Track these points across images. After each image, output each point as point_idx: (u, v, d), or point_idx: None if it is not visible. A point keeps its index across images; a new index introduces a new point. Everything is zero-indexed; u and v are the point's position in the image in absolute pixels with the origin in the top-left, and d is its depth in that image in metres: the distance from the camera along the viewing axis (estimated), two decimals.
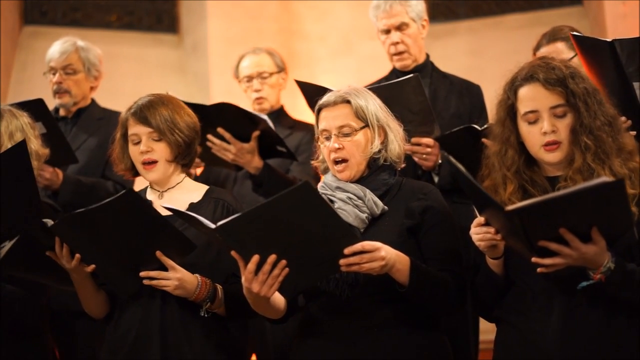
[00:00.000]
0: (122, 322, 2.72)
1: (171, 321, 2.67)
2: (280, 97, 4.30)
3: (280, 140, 3.72)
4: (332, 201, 2.61)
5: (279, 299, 2.57)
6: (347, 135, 2.63)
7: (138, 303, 2.69)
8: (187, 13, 7.70)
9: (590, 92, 2.36)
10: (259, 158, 3.73)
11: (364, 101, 2.66)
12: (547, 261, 2.16)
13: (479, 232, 2.30)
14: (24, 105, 3.33)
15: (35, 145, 3.05)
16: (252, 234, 2.32)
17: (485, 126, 2.99)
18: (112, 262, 2.59)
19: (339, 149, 2.63)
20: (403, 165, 2.74)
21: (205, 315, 2.67)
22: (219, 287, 2.69)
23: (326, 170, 2.74)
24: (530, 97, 2.38)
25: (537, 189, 2.39)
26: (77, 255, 2.56)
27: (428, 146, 3.44)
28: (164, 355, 2.64)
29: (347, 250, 2.36)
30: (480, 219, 2.30)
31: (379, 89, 2.97)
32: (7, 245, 2.58)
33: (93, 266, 2.59)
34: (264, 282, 2.36)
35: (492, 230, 2.27)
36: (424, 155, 3.46)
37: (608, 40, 2.75)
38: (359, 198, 2.59)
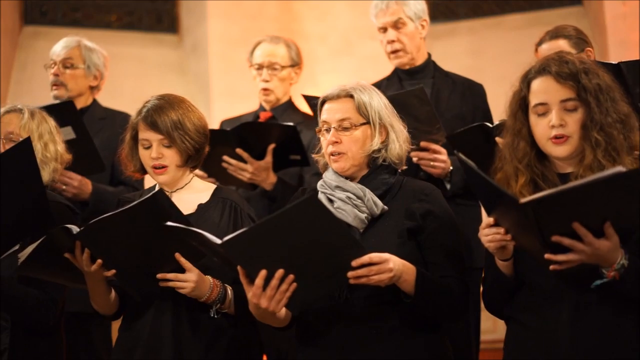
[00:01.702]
0: (134, 323, 2.74)
1: (183, 322, 2.68)
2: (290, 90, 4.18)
3: (300, 148, 3.69)
4: (331, 200, 2.59)
5: (284, 313, 2.54)
6: (346, 129, 2.61)
7: (150, 304, 2.70)
8: (187, 13, 7.71)
9: (604, 89, 2.35)
10: (273, 173, 3.74)
11: (367, 97, 2.63)
12: (561, 257, 2.14)
13: (489, 233, 2.28)
14: (54, 108, 3.34)
15: (61, 148, 3.09)
16: (259, 249, 2.28)
17: (497, 123, 2.98)
18: (131, 265, 2.59)
19: (336, 142, 2.61)
20: (404, 167, 2.72)
21: (215, 316, 2.68)
22: (228, 288, 2.70)
23: (326, 166, 2.71)
24: (542, 89, 2.38)
25: (547, 184, 2.38)
26: (99, 261, 2.57)
27: (436, 152, 3.42)
28: (176, 356, 2.66)
29: (354, 263, 2.33)
30: (489, 219, 2.28)
31: None
32: (30, 247, 2.58)
33: (113, 271, 2.59)
34: (272, 297, 2.33)
35: (501, 230, 2.25)
36: (432, 162, 3.44)
37: (614, 62, 2.75)
38: (359, 198, 2.57)
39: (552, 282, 2.30)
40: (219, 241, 2.28)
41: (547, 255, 2.14)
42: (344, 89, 2.65)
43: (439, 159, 3.43)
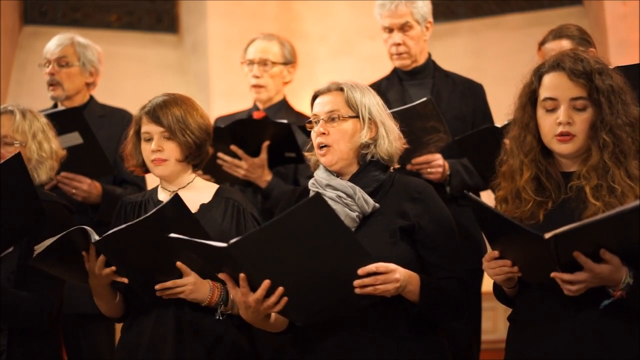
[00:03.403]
0: (137, 323, 2.74)
1: (185, 322, 2.68)
2: (283, 89, 4.14)
3: (295, 146, 3.68)
4: None
5: (280, 319, 2.52)
6: (334, 120, 2.60)
7: (152, 305, 2.70)
8: (187, 13, 7.71)
9: (616, 91, 2.33)
10: (268, 171, 3.74)
11: (358, 93, 2.62)
12: (567, 277, 2.14)
13: (494, 267, 2.27)
14: (60, 115, 3.33)
15: (55, 145, 3.08)
16: (265, 252, 2.25)
17: (506, 123, 2.98)
18: (141, 273, 2.60)
19: (323, 133, 2.59)
20: (397, 166, 2.71)
21: (220, 318, 2.68)
22: None
23: (317, 164, 2.69)
24: (553, 85, 2.36)
25: (551, 182, 2.37)
26: (113, 267, 2.59)
27: (430, 160, 3.47)
28: (178, 356, 2.66)
29: (361, 271, 2.32)
30: (493, 252, 2.27)
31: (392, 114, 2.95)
32: (47, 241, 2.59)
33: (125, 280, 2.61)
34: (259, 301, 2.32)
35: (508, 263, 2.25)
36: (429, 170, 3.49)
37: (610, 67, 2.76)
38: (349, 196, 2.54)
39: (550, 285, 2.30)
40: (224, 245, 2.24)
41: (553, 274, 2.14)
42: (335, 82, 2.66)
43: (435, 164, 3.48)
